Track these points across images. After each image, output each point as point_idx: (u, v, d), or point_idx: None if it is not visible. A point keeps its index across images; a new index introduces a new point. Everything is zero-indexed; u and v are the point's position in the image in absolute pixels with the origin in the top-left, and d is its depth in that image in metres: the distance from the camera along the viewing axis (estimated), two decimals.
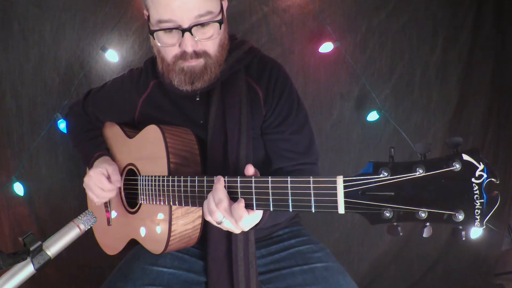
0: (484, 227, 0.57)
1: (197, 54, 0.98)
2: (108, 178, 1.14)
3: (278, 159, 1.12)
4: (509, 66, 1.94)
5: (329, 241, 1.94)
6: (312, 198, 0.70)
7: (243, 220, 0.81)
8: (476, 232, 1.82)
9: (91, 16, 1.69)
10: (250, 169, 0.84)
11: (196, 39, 0.96)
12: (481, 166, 0.56)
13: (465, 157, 0.56)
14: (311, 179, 0.70)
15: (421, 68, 1.92)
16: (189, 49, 0.97)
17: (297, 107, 1.12)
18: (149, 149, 1.11)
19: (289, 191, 0.73)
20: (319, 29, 1.79)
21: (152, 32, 0.98)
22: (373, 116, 1.85)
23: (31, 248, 0.76)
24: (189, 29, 0.94)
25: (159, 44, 1.00)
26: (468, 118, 2.00)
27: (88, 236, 1.16)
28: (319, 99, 1.87)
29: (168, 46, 0.99)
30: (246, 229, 0.86)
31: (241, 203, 0.80)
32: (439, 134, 1.98)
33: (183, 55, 0.98)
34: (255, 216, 0.84)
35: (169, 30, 0.96)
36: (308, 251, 1.12)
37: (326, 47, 1.78)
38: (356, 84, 1.87)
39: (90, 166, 1.21)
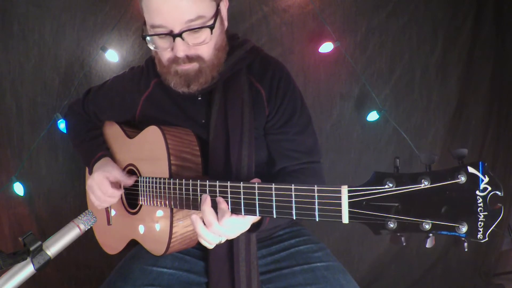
0: (487, 239, 0.57)
1: (189, 59, 0.98)
2: (114, 183, 1.13)
3: (282, 159, 1.11)
4: (509, 66, 1.94)
5: (329, 240, 1.94)
6: (316, 207, 0.70)
7: (224, 220, 0.83)
8: None
9: (91, 16, 1.68)
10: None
11: (188, 44, 0.96)
12: (486, 179, 0.56)
13: (471, 169, 0.56)
14: (316, 187, 0.70)
15: (421, 68, 1.92)
16: (181, 54, 0.96)
17: (301, 107, 1.12)
18: (149, 150, 1.10)
19: (293, 199, 0.73)
20: (319, 29, 1.79)
21: (144, 37, 0.99)
22: (373, 116, 1.85)
23: (31, 248, 0.76)
24: (179, 35, 0.93)
25: (152, 47, 1.00)
26: (468, 118, 2.00)
27: (88, 236, 1.16)
28: (319, 99, 1.87)
29: (161, 50, 0.99)
30: (235, 234, 0.89)
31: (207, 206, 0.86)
32: (439, 134, 1.99)
33: (175, 60, 0.98)
34: (242, 221, 0.85)
35: (161, 36, 0.96)
36: (309, 250, 1.12)
37: (326, 47, 1.78)
38: (356, 84, 1.87)
39: (91, 167, 1.20)
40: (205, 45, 0.98)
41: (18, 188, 1.69)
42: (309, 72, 1.84)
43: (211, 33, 0.96)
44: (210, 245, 0.90)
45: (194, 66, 0.99)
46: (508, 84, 1.96)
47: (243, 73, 1.10)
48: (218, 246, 1.05)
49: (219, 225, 0.84)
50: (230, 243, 1.04)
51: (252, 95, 1.09)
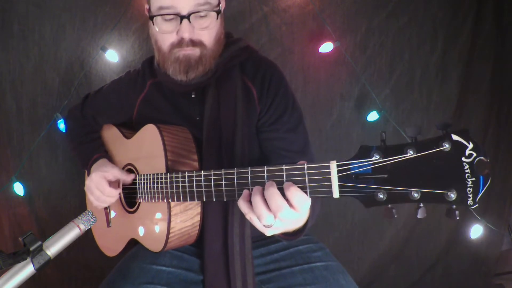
0: (477, 205, 0.57)
1: (193, 43, 1.01)
2: (111, 182, 1.13)
3: (274, 157, 1.12)
4: (509, 66, 1.94)
5: (329, 241, 1.94)
6: (307, 184, 0.71)
7: (304, 203, 0.69)
8: (476, 232, 1.82)
9: (91, 16, 1.69)
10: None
11: (193, 28, 0.99)
12: (470, 145, 0.56)
13: (455, 137, 0.57)
14: (306, 165, 0.71)
15: (421, 68, 1.92)
16: (186, 35, 1.00)
17: (292, 106, 1.13)
18: (147, 148, 1.11)
19: (284, 180, 0.73)
20: (319, 29, 1.79)
21: (151, 17, 1.01)
22: (373, 116, 1.85)
23: (31, 248, 0.76)
24: (187, 16, 0.97)
25: (157, 29, 1.02)
26: (468, 118, 2.00)
27: (88, 236, 1.16)
28: (319, 99, 1.87)
29: (166, 33, 1.02)
30: (290, 227, 0.77)
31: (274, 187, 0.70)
32: (439, 134, 1.98)
33: (179, 43, 1.01)
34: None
35: (168, 17, 0.99)
36: (308, 250, 1.12)
37: (326, 47, 1.78)
38: (356, 84, 1.87)
39: (89, 168, 1.21)
40: (208, 32, 1.02)
41: (18, 188, 1.69)
42: (309, 72, 1.84)
43: (217, 18, 1.02)
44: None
45: (196, 51, 1.02)
46: (508, 84, 1.96)
47: (236, 71, 1.12)
48: (213, 243, 1.05)
49: (289, 209, 0.70)
50: (225, 237, 1.05)
51: (244, 93, 1.10)
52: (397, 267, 2.01)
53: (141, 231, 1.12)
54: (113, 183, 1.14)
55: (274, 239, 1.18)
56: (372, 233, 1.97)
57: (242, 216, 1.04)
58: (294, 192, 0.69)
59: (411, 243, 1.99)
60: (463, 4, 1.90)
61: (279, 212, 0.69)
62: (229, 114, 1.07)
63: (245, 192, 0.75)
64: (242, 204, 0.74)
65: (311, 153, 1.15)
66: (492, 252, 2.03)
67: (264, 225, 0.72)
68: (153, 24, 1.02)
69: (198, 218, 1.06)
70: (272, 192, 0.69)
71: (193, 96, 1.13)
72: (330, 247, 1.16)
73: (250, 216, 0.74)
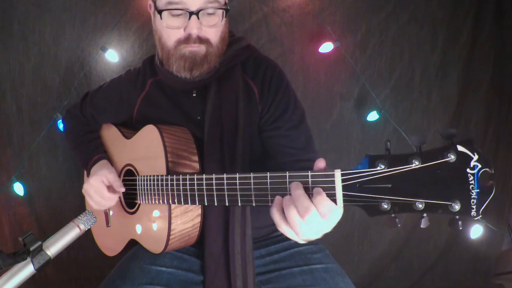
0: (481, 216, 0.57)
1: (200, 40, 1.01)
2: (109, 186, 1.13)
3: (278, 155, 1.12)
4: (509, 66, 1.94)
5: (329, 241, 1.94)
6: (310, 192, 0.69)
7: (332, 211, 0.67)
8: (476, 232, 1.82)
9: (91, 16, 1.69)
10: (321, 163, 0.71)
11: (201, 25, 1.00)
12: (475, 157, 0.57)
13: (460, 148, 0.57)
14: (309, 173, 0.70)
15: (421, 68, 1.92)
16: (194, 31, 1.00)
17: (294, 104, 1.13)
18: (147, 149, 1.11)
19: (287, 186, 0.72)
20: (319, 29, 1.79)
21: (160, 11, 1.01)
22: (373, 116, 1.85)
23: (31, 248, 0.76)
24: (196, 13, 0.98)
25: (164, 24, 1.01)
26: (468, 118, 2.00)
27: (88, 236, 1.16)
28: (319, 99, 1.87)
29: (173, 28, 1.01)
30: (328, 229, 0.70)
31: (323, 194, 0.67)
32: (439, 134, 1.98)
33: (187, 39, 1.01)
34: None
35: (176, 12, 0.99)
36: (308, 251, 1.12)
37: (326, 47, 1.78)
38: (356, 84, 1.87)
39: (89, 169, 1.21)
40: (215, 30, 1.02)
41: (18, 188, 1.70)
42: (309, 72, 1.84)
43: (225, 16, 1.03)
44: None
45: (202, 49, 1.02)
46: (508, 84, 1.96)
47: (237, 69, 1.12)
48: (214, 243, 1.05)
49: (317, 213, 0.66)
50: (225, 237, 1.04)
51: (246, 92, 1.10)
52: (397, 267, 2.01)
53: (141, 232, 1.12)
54: (112, 188, 1.14)
55: (274, 240, 1.18)
56: (372, 233, 1.97)
57: (243, 216, 1.04)
58: (321, 201, 0.66)
59: (411, 243, 1.99)
60: (463, 4, 1.90)
61: (308, 215, 0.66)
62: (230, 113, 1.07)
63: (278, 198, 0.71)
64: (275, 214, 0.70)
65: (314, 150, 1.15)
66: (492, 252, 2.03)
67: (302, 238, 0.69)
68: (161, 18, 1.01)
69: (198, 219, 1.06)
70: (299, 194, 0.67)
71: (194, 94, 1.13)
72: (330, 248, 1.16)
73: (282, 228, 0.70)
